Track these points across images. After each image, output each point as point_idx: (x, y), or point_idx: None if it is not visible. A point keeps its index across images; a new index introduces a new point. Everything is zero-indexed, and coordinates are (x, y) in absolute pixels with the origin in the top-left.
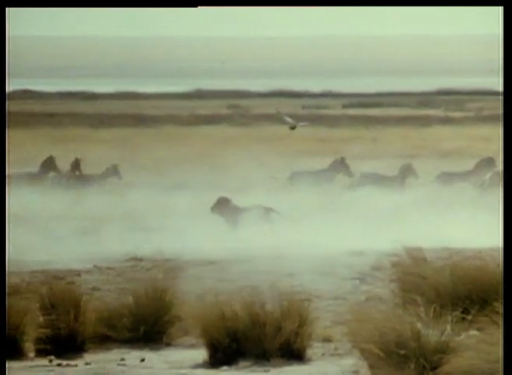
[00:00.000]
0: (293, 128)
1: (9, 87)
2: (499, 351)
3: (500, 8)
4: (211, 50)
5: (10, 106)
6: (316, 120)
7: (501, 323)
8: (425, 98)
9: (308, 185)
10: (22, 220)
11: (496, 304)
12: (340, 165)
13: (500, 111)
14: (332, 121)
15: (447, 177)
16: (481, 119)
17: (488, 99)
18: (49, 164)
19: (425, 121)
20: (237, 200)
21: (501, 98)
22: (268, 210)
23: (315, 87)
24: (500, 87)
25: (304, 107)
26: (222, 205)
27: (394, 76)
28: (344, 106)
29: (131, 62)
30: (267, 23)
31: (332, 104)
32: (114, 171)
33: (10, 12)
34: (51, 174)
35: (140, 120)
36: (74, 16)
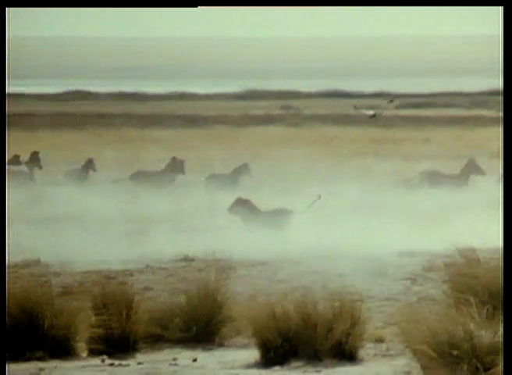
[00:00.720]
0: (373, 116)
1: (61, 88)
2: None
3: (500, 9)
4: (263, 51)
5: (66, 107)
6: (368, 121)
7: (501, 323)
8: (478, 99)
9: (362, 184)
10: (74, 220)
11: None
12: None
13: (500, 111)
14: (385, 121)
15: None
16: None
17: None
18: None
19: (479, 121)
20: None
21: (501, 98)
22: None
23: (367, 87)
24: (500, 87)
25: (355, 107)
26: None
27: (447, 76)
28: (396, 107)
29: (184, 62)
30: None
31: (384, 104)
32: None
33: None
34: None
35: (191, 121)
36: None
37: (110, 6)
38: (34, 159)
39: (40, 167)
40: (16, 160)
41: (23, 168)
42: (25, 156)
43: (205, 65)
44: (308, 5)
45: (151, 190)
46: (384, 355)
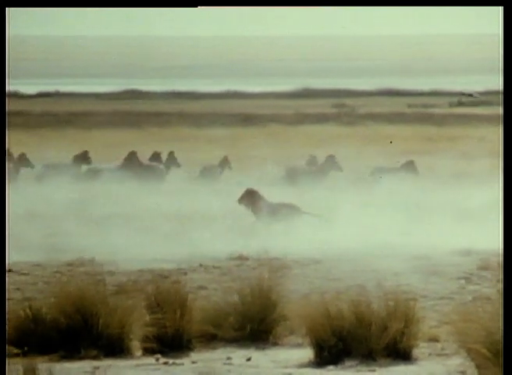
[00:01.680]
0: (470, 95)
1: (115, 87)
2: None
3: (500, 9)
4: (317, 49)
5: (120, 106)
6: (423, 119)
7: (501, 323)
8: None
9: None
10: (127, 218)
11: None
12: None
13: (500, 111)
14: (440, 120)
15: None
16: None
17: None
18: (155, 159)
19: None
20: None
21: (501, 97)
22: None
23: (422, 85)
24: (500, 87)
25: (409, 106)
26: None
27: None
28: (451, 105)
29: (236, 61)
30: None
31: (439, 103)
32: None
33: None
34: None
35: (245, 119)
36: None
37: (111, 6)
38: (171, 158)
39: (178, 165)
40: (156, 157)
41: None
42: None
43: (258, 63)
44: (326, 4)
45: (204, 187)
46: (438, 355)
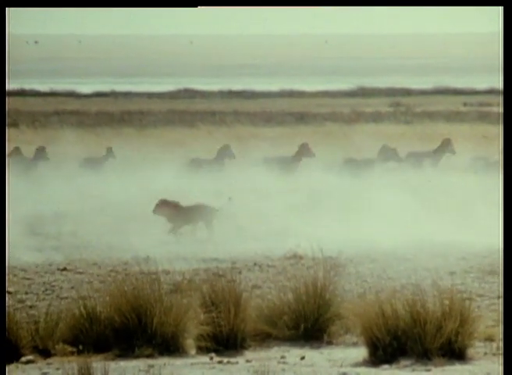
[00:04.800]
0: None
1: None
2: None
3: (500, 9)
4: (368, 47)
5: (176, 105)
6: (479, 118)
7: (501, 324)
8: None
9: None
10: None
11: None
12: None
13: (500, 110)
14: (495, 118)
15: None
16: None
17: None
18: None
19: None
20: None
21: (501, 97)
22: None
23: (478, 84)
24: (500, 86)
25: (465, 104)
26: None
27: None
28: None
29: (290, 60)
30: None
31: (496, 101)
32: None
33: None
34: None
35: (301, 118)
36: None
37: (111, 6)
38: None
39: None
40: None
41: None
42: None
43: (312, 62)
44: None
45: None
46: (494, 354)
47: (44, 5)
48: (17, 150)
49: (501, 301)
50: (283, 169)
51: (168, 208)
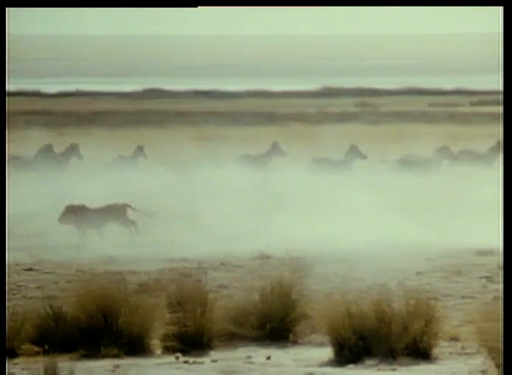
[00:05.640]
0: None
1: (137, 86)
2: None
3: (500, 9)
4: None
5: (143, 105)
6: (445, 118)
7: (501, 324)
8: None
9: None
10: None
11: None
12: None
13: (500, 110)
14: (462, 119)
15: None
16: None
17: None
18: None
19: None
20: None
21: (501, 97)
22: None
23: (445, 84)
24: (500, 87)
25: (430, 105)
26: None
27: None
28: (472, 104)
29: (255, 60)
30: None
31: (461, 101)
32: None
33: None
34: None
35: (268, 118)
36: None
37: (111, 6)
38: None
39: None
40: None
41: None
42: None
43: (279, 63)
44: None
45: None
46: (459, 354)
47: (44, 5)
48: None
49: (501, 302)
50: (252, 169)
51: (75, 214)
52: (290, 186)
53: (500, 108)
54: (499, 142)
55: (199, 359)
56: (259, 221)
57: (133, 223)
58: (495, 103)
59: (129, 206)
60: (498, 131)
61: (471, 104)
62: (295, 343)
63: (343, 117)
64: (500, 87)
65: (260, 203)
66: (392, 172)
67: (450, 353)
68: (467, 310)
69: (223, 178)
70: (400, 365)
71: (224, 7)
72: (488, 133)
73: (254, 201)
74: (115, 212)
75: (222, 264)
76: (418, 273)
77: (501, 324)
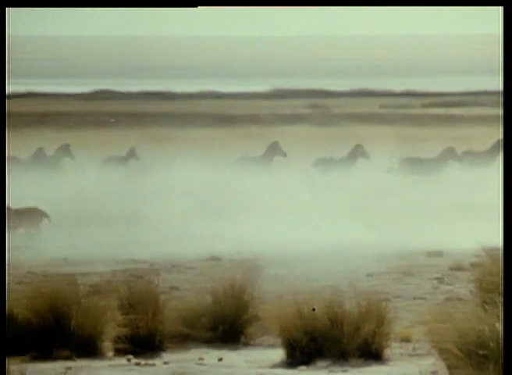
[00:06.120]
0: None
1: (88, 87)
2: None
3: (500, 9)
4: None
5: (93, 106)
6: (397, 120)
7: (501, 324)
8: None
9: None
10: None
11: None
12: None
13: (500, 111)
14: (412, 120)
15: None
16: None
17: None
18: None
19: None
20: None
21: (501, 98)
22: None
23: (395, 86)
24: (500, 87)
25: (381, 106)
26: None
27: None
28: (423, 106)
29: (210, 62)
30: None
31: (412, 103)
32: None
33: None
34: None
35: (220, 120)
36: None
37: (110, 6)
38: None
39: None
40: None
41: None
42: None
43: (232, 64)
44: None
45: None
46: (411, 355)
47: (44, 5)
48: None
49: (501, 301)
50: (204, 170)
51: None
52: (243, 187)
53: (500, 110)
54: (450, 147)
55: (151, 361)
56: (211, 222)
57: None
58: (447, 105)
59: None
60: (451, 133)
61: (423, 106)
62: (247, 344)
63: (295, 119)
64: (500, 87)
65: (212, 204)
66: (343, 173)
67: (401, 354)
68: (418, 311)
69: (175, 179)
70: (352, 366)
71: (224, 7)
72: (439, 134)
73: (206, 203)
74: (33, 215)
75: (174, 266)
76: (369, 275)
77: (501, 327)
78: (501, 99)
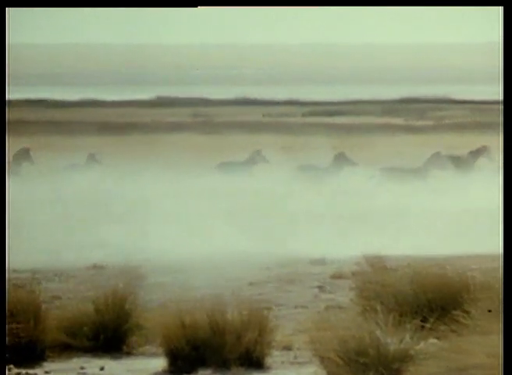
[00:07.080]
0: None
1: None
2: (458, 359)
3: (500, 9)
4: (173, 58)
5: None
6: (278, 129)
7: (501, 324)
8: (389, 106)
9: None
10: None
11: (455, 312)
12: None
13: (500, 117)
14: (294, 129)
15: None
16: (441, 127)
17: (452, 108)
18: None
19: (388, 130)
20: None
21: (501, 106)
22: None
23: (278, 94)
24: (500, 95)
25: (264, 115)
26: None
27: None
28: (304, 114)
29: (94, 69)
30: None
31: (293, 112)
32: None
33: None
34: None
35: (103, 128)
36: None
37: (109, 6)
38: None
39: None
40: None
41: None
42: None
43: (112, 72)
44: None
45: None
46: (292, 363)
47: (44, 5)
48: None
49: (501, 301)
50: (83, 178)
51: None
52: (126, 195)
53: (500, 117)
54: (341, 153)
55: (32, 371)
56: (93, 230)
57: None
58: (327, 114)
59: None
60: (338, 141)
61: (303, 115)
62: (129, 353)
63: (178, 127)
64: (500, 95)
65: (94, 212)
66: (224, 180)
67: (283, 362)
68: (299, 319)
69: (55, 187)
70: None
71: (224, 7)
72: (323, 143)
73: (87, 210)
74: None
75: (55, 275)
76: (252, 283)
77: (501, 328)
78: (501, 107)
